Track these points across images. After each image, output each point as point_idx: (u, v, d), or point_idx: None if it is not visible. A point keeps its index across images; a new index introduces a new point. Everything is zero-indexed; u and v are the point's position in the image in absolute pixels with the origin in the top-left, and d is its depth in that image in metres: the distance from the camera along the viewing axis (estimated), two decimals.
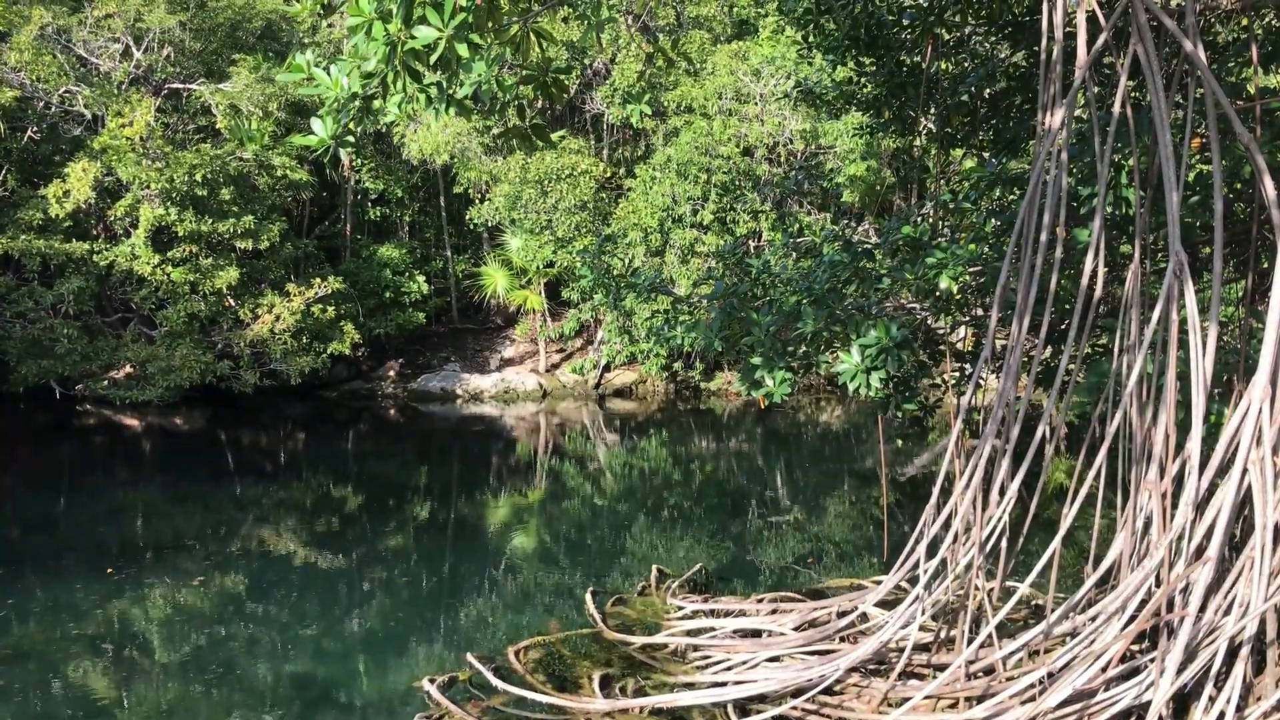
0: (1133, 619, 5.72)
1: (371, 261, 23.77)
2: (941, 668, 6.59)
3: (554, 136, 6.72)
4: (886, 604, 7.37)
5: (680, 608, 8.63)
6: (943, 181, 10.15)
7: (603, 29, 6.92)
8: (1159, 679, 5.39)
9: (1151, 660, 5.66)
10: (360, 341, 22.56)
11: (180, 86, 21.34)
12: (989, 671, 6.32)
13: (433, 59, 4.94)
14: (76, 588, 9.59)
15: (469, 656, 7.60)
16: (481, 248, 26.25)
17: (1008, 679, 6.13)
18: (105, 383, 20.41)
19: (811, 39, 9.38)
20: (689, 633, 7.96)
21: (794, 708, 6.39)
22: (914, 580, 6.68)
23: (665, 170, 21.91)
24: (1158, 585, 5.77)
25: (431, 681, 7.07)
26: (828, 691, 6.52)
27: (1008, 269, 6.62)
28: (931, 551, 6.57)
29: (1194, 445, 5.74)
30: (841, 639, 7.25)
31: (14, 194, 19.64)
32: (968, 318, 9.04)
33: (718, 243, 20.55)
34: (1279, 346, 5.51)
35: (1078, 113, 6.73)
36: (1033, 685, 5.88)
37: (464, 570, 10.78)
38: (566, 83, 6.37)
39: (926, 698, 6.21)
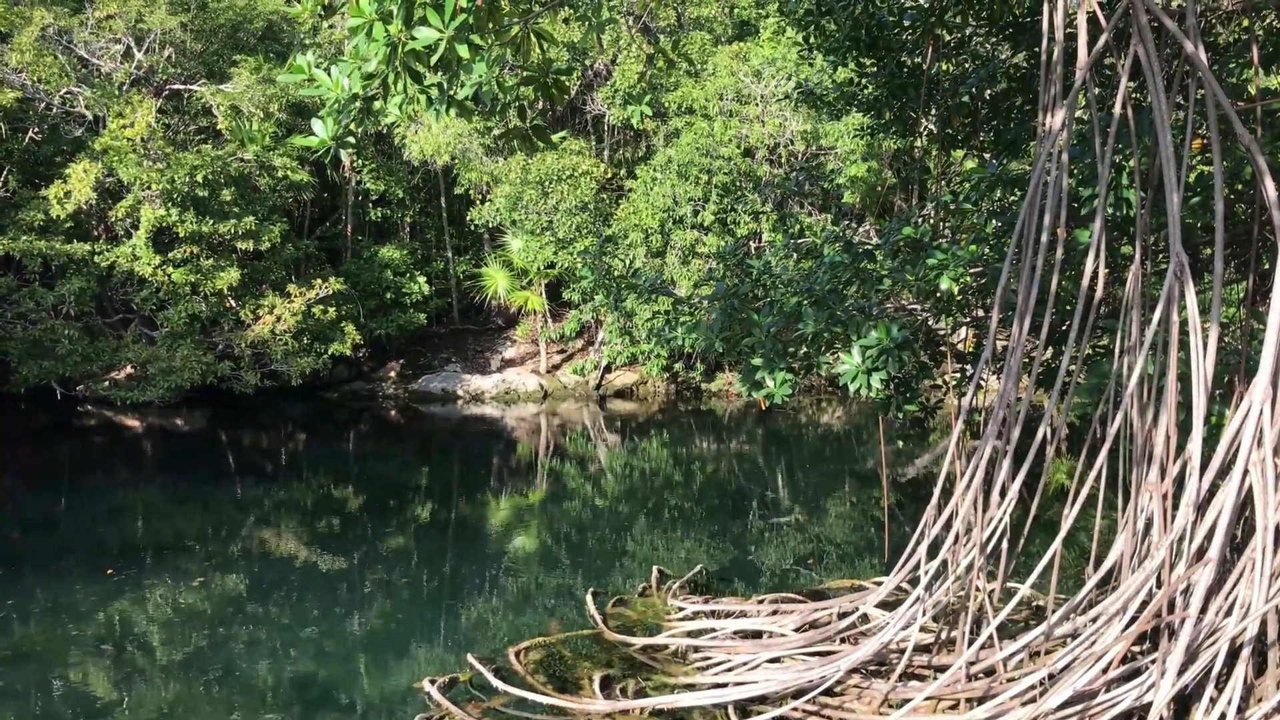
0: (1134, 620, 5.72)
1: (372, 262, 23.79)
2: (942, 669, 6.59)
3: (555, 137, 6.71)
4: (887, 605, 7.37)
5: (681, 609, 8.62)
6: (943, 182, 10.14)
7: (603, 30, 6.92)
8: (1160, 680, 5.38)
9: (1152, 661, 5.66)
10: (361, 342, 22.57)
11: (181, 87, 21.36)
12: (990, 673, 6.32)
13: (433, 60, 4.94)
14: (76, 588, 9.59)
15: (469, 657, 7.60)
16: (482, 249, 26.27)
17: (1008, 680, 6.13)
18: (106, 383, 20.42)
19: (812, 40, 9.39)
20: (690, 634, 7.96)
21: (795, 709, 6.39)
22: (915, 581, 6.68)
23: (666, 171, 21.91)
24: (1159, 586, 5.76)
25: (432, 682, 7.07)
26: (828, 693, 6.51)
27: (1008, 270, 6.62)
28: (932, 552, 6.57)
29: (1195, 446, 5.74)
30: (842, 640, 7.25)
31: (15, 195, 19.65)
32: (969, 319, 9.04)
33: (719, 244, 20.54)
34: None
35: (1078, 114, 6.72)
36: (1034, 686, 5.88)
37: (465, 571, 10.78)
38: (567, 84, 6.37)
39: (927, 699, 6.20)
